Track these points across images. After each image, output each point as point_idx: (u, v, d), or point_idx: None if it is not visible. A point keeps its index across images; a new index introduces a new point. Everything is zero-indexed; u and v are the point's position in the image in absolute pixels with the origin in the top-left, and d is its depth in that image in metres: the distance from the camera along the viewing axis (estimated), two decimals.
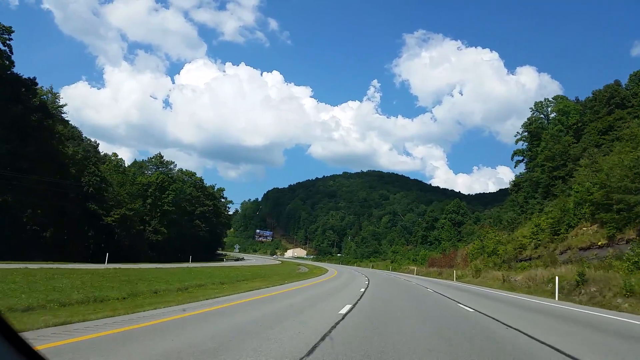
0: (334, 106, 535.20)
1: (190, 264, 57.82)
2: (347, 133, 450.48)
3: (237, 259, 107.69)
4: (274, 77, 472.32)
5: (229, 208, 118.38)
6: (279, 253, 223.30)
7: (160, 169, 75.60)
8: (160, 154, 79.81)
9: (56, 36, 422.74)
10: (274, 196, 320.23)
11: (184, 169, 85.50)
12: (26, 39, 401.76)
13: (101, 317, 9.18)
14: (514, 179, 75.89)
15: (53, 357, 5.47)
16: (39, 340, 6.56)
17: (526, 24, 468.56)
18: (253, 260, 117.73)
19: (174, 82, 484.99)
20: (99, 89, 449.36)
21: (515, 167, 77.90)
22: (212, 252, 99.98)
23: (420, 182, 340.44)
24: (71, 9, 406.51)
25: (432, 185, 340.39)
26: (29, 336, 6.74)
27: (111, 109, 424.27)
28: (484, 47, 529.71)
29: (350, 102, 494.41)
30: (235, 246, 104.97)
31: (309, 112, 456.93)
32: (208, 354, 6.16)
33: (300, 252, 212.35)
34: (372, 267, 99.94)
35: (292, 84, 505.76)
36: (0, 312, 1.81)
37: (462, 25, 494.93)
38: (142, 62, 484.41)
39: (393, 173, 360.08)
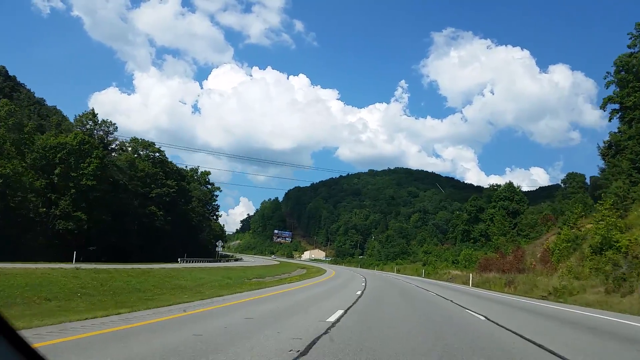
0: (360, 108, 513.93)
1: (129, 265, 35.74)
2: (375, 135, 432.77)
3: (229, 260, 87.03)
4: (300, 81, 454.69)
5: (216, 197, 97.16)
6: (297, 255, 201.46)
7: (97, 131, 54.70)
8: (93, 110, 60.75)
9: (86, 42, 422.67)
10: (296, 195, 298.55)
11: (140, 139, 63.92)
12: (58, 46, 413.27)
13: None
14: (608, 137, 51.42)
15: None
16: None
17: (558, 21, 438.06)
18: (252, 260, 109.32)
19: (202, 87, 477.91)
20: (129, 94, 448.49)
21: (609, 121, 53.53)
22: (197, 250, 78.27)
23: (453, 179, 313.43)
24: (100, 15, 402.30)
25: (465, 182, 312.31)
26: None
27: (141, 114, 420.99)
28: (514, 46, 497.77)
29: (377, 104, 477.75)
30: (218, 243, 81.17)
31: (336, 114, 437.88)
32: None
33: (319, 254, 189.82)
34: (398, 272, 76.46)
35: (319, 86, 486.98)
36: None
37: (491, 23, 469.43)
38: (171, 67, 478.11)
39: (422, 170, 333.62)
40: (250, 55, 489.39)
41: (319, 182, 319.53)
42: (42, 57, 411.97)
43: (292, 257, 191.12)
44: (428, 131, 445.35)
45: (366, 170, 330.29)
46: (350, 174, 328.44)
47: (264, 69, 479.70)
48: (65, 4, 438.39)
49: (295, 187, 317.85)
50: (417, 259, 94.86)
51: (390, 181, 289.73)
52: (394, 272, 79.86)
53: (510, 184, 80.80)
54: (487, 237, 74.91)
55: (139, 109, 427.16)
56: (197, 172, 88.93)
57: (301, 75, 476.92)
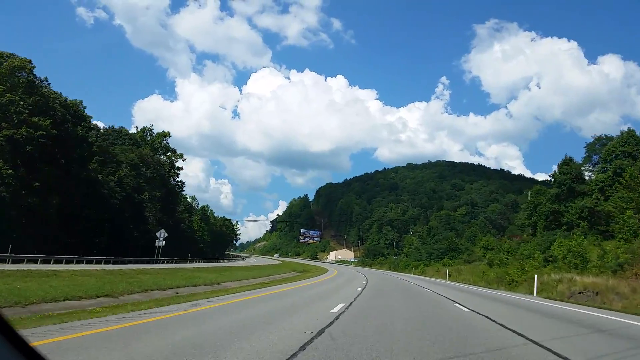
0: (400, 107, 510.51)
1: None
2: (415, 134, 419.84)
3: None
4: (338, 82, 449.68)
5: (178, 170, 69.96)
6: (322, 256, 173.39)
7: None
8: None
9: (128, 50, 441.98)
10: (327, 192, 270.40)
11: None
12: (102, 55, 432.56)
13: None
14: None
15: None
16: None
17: (606, 10, 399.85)
18: (254, 260, 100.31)
19: (241, 92, 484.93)
20: (171, 101, 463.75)
21: None
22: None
23: (502, 170, 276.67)
24: (140, 23, 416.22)
25: (516, 174, 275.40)
26: None
27: (183, 120, 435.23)
28: (560, 37, 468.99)
29: (417, 103, 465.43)
30: (159, 234, 53.18)
31: (375, 114, 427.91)
32: None
33: (346, 254, 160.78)
34: (450, 278, 47.15)
35: (357, 87, 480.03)
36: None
37: (536, 13, 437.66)
38: (211, 73, 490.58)
39: (467, 163, 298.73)
40: (289, 57, 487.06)
41: (353, 177, 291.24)
42: (87, 66, 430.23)
43: (315, 258, 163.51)
44: (471, 128, 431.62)
45: (404, 165, 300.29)
46: (386, 168, 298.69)
47: (302, 72, 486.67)
48: (107, 13, 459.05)
49: (327, 183, 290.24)
50: (474, 258, 64.60)
51: (431, 174, 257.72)
52: (440, 276, 50.79)
53: (631, 133, 49.75)
54: (595, 215, 44.67)
55: (181, 115, 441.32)
56: (150, 132, 63.40)
57: (339, 77, 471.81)
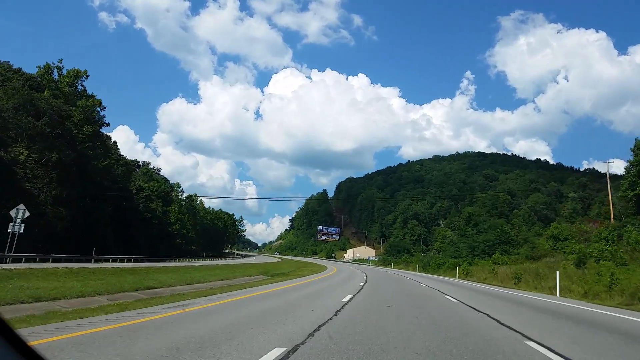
0: (423, 104, 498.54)
1: None
2: (440, 131, 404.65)
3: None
4: (360, 80, 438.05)
5: (99, 119, 50.55)
6: (341, 255, 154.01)
7: None
8: None
9: (150, 53, 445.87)
10: (347, 187, 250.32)
11: None
12: (125, 59, 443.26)
13: None
14: None
15: None
16: None
17: None
18: (252, 259, 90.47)
19: (263, 93, 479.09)
20: (195, 104, 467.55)
21: None
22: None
23: (539, 160, 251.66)
24: (161, 25, 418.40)
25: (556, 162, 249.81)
26: None
27: (207, 122, 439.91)
28: (587, 28, 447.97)
29: (440, 99, 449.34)
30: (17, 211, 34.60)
31: (398, 112, 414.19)
32: None
33: (366, 252, 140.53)
34: (518, 286, 26.89)
35: (379, 85, 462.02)
36: None
37: (561, 3, 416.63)
38: (232, 74, 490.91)
39: (498, 153, 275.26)
40: (309, 56, 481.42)
41: (375, 171, 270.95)
42: (111, 70, 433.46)
43: (331, 257, 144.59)
44: (497, 124, 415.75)
45: (430, 157, 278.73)
46: (411, 161, 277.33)
47: (323, 71, 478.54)
48: (128, 17, 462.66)
49: (348, 178, 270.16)
50: (540, 252, 44.30)
51: (459, 165, 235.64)
52: (501, 280, 31.17)
53: None
54: None
55: (205, 117, 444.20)
56: (59, 71, 45.25)
57: (361, 75, 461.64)
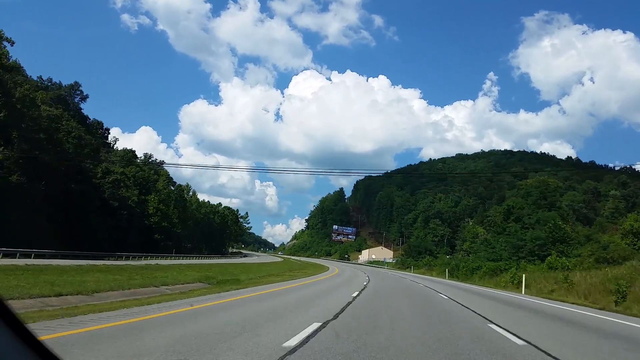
0: (445, 106, 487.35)
1: None
2: (462, 132, 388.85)
3: None
4: (380, 82, 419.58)
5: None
6: (355, 257, 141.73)
7: None
8: None
9: (171, 55, 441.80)
10: (365, 185, 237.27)
11: None
12: (147, 61, 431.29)
13: None
14: None
15: None
16: None
17: None
18: (255, 258, 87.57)
19: (283, 94, 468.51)
20: (216, 105, 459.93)
21: None
22: None
23: (570, 157, 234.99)
24: (182, 27, 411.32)
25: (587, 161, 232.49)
26: None
27: (227, 123, 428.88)
28: (614, 29, 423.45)
29: (462, 101, 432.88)
30: None
31: (419, 113, 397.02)
32: None
33: (382, 253, 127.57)
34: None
35: (400, 86, 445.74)
36: (8, 304, 1.69)
37: (587, 3, 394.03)
38: (252, 76, 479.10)
39: (526, 151, 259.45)
40: (329, 57, 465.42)
41: (394, 170, 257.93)
42: (134, 72, 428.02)
43: (345, 258, 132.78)
44: (521, 126, 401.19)
45: (453, 155, 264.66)
46: (433, 159, 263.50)
47: (343, 72, 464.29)
48: (150, 19, 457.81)
49: (366, 176, 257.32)
50: (617, 254, 31.66)
51: (485, 163, 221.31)
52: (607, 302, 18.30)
53: None
54: None
55: (226, 119, 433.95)
56: None
57: (381, 77, 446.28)
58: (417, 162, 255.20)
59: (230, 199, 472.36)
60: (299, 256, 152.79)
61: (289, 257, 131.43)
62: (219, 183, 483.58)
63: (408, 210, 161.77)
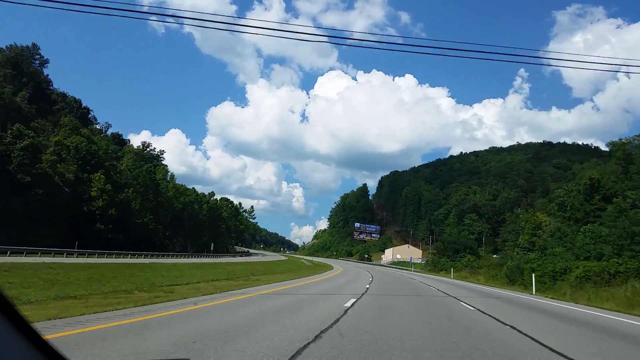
0: (474, 104, 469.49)
1: None
2: (492, 131, 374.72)
3: None
4: (407, 81, 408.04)
5: None
6: (380, 257, 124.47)
7: None
8: None
9: (198, 57, 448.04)
10: (390, 181, 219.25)
11: None
12: (175, 63, 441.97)
13: None
14: None
15: None
16: None
17: None
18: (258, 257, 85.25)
19: (308, 95, 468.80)
20: (242, 107, 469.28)
21: None
22: None
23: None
24: (208, 28, 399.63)
25: None
26: None
27: (254, 125, 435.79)
28: None
29: (492, 99, 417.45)
30: None
31: (446, 112, 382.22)
32: None
33: (409, 252, 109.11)
34: None
35: (427, 85, 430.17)
36: (13, 303, 1.65)
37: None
38: (278, 76, 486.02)
39: (566, 143, 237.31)
40: (355, 56, 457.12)
41: (421, 164, 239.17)
42: (162, 75, 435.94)
43: (365, 259, 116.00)
44: (553, 123, 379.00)
45: (486, 148, 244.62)
46: (463, 153, 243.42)
47: (369, 72, 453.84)
48: (177, 21, 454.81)
49: (392, 171, 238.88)
50: None
51: (523, 155, 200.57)
52: None
53: None
54: None
55: (252, 120, 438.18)
56: None
57: (407, 76, 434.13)
58: (446, 157, 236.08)
59: (257, 201, 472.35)
60: (316, 256, 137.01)
61: (300, 257, 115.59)
62: (246, 185, 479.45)
63: (438, 205, 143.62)
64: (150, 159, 75.33)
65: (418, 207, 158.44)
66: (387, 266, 75.50)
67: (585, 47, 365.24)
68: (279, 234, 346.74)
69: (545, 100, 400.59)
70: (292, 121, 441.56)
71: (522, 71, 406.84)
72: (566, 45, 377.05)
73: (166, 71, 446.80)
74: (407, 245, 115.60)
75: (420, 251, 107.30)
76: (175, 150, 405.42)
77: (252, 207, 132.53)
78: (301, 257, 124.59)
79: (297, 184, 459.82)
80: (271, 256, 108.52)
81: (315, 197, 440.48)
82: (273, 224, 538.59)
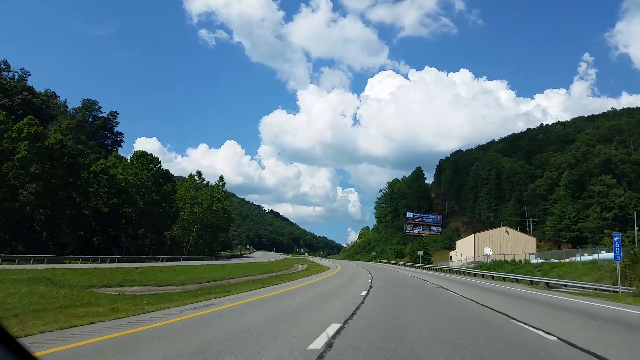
0: (535, 94, 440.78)
1: None
2: (558, 121, 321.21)
3: None
4: (462, 76, 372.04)
5: None
6: (441, 257, 79.58)
7: None
8: None
9: (248, 67, 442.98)
10: (452, 161, 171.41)
11: None
12: (227, 75, 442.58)
13: None
14: None
15: None
16: None
17: None
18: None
19: (359, 97, 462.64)
20: (294, 114, 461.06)
21: None
22: None
23: None
24: (256, 36, 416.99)
25: None
26: None
27: (306, 131, 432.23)
28: None
29: (554, 89, 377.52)
30: None
31: (507, 105, 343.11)
32: None
33: (511, 241, 61.87)
34: None
35: (484, 78, 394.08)
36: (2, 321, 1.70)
37: None
38: (328, 80, 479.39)
39: None
40: (406, 50, 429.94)
41: (492, 140, 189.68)
42: (215, 86, 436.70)
43: (420, 261, 71.71)
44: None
45: (572, 118, 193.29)
46: (545, 124, 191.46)
47: (421, 69, 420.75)
48: (226, 31, 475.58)
49: (456, 151, 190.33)
50: None
51: (630, 119, 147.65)
52: None
53: None
54: None
55: (304, 126, 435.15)
56: None
57: (462, 70, 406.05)
58: (523, 130, 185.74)
59: (313, 207, 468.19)
60: (354, 259, 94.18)
61: (316, 259, 75.15)
62: (301, 192, 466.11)
63: (531, 178, 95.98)
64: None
65: (497, 186, 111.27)
66: (451, 275, 31.75)
67: None
68: (328, 238, 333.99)
69: (613, 87, 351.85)
70: (344, 125, 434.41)
71: (586, 55, 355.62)
72: (635, 27, 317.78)
73: (218, 84, 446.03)
74: (504, 229, 67.35)
75: (534, 239, 61.28)
76: (231, 162, 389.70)
77: (221, 177, 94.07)
78: (320, 260, 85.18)
79: (352, 189, 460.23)
80: (275, 256, 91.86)
81: (371, 201, 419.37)
82: (329, 230, 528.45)
